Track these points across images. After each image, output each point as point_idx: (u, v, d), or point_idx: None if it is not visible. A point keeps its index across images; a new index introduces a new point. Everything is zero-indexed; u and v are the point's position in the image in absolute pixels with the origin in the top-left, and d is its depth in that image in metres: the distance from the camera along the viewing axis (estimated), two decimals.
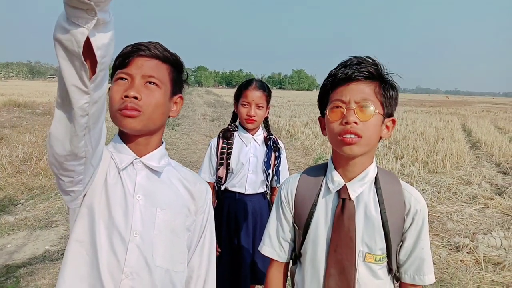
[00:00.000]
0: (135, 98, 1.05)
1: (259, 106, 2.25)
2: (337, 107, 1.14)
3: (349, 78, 1.14)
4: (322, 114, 1.23)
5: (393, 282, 1.27)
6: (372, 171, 1.20)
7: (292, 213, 1.30)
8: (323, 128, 1.24)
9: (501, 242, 4.36)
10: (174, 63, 1.17)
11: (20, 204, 5.11)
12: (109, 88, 1.11)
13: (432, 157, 8.95)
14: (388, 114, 1.18)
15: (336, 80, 1.16)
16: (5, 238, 4.12)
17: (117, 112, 1.06)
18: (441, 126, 15.27)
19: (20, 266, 3.52)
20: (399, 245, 1.21)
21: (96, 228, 1.05)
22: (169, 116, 1.21)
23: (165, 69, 1.14)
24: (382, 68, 1.17)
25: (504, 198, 6.05)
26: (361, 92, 1.12)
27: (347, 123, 1.10)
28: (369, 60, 1.16)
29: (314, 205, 1.24)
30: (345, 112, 1.12)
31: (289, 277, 1.43)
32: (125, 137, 1.14)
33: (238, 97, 2.31)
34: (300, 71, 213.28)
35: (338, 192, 1.20)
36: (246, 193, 2.30)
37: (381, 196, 1.18)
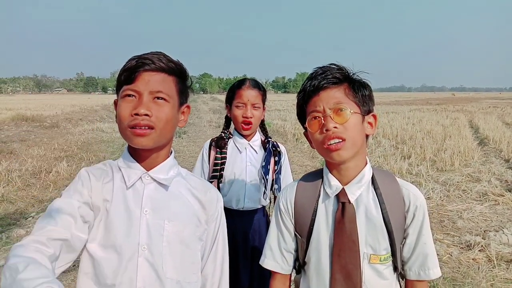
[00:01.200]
0: (146, 115, 1.05)
1: (255, 107, 2.03)
2: (314, 118, 1.17)
3: (318, 88, 1.17)
4: (305, 128, 1.25)
5: (399, 281, 1.27)
6: (367, 172, 1.21)
7: (293, 223, 1.29)
8: (310, 142, 1.26)
9: None
10: (179, 73, 1.17)
11: (31, 217, 5.15)
12: (114, 102, 1.14)
13: (440, 155, 8.89)
14: (366, 111, 1.20)
15: (307, 94, 1.20)
16: None
17: (128, 130, 1.07)
18: (448, 124, 15.16)
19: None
20: (402, 242, 1.22)
21: (98, 254, 1.08)
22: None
23: (172, 82, 1.14)
24: (347, 70, 1.20)
25: None
26: (332, 97, 1.15)
27: (327, 130, 1.13)
28: (333, 66, 1.19)
29: (315, 211, 1.24)
30: (322, 120, 1.15)
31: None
32: (135, 152, 1.16)
33: (230, 99, 2.09)
34: (304, 74, 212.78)
35: (337, 196, 1.21)
36: (244, 209, 2.06)
37: (380, 196, 1.19)
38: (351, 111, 1.13)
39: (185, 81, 1.21)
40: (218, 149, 2.10)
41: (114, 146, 11.31)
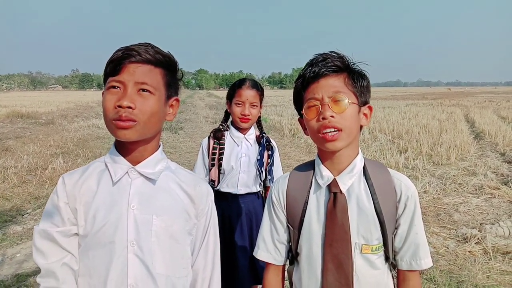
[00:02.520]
0: (129, 107, 1.02)
1: (253, 105, 2.22)
2: (312, 105, 1.16)
3: (317, 75, 1.16)
4: (301, 115, 1.25)
5: (391, 271, 1.27)
6: (359, 162, 1.21)
7: (285, 214, 1.29)
8: (304, 129, 1.25)
9: (509, 232, 4.35)
10: (167, 65, 1.13)
11: (28, 214, 5.14)
12: (102, 94, 1.11)
13: (436, 149, 8.93)
14: (363, 102, 1.20)
15: (306, 80, 1.19)
16: (14, 248, 4.15)
17: (111, 123, 1.04)
18: (444, 118, 15.22)
19: (30, 275, 3.54)
20: (394, 233, 1.22)
21: (90, 252, 1.09)
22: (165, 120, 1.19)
23: (159, 74, 1.10)
24: (348, 59, 1.19)
25: (510, 187, 6.02)
26: (332, 86, 1.14)
27: (324, 118, 1.12)
28: (334, 54, 1.18)
29: (306, 202, 1.23)
30: (320, 109, 1.13)
31: (286, 278, 1.41)
32: (121, 146, 1.13)
33: (231, 96, 2.29)
34: (300, 69, 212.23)
35: (329, 186, 1.20)
36: (238, 193, 2.27)
37: (372, 187, 1.19)
38: (349, 101, 1.12)
39: (174, 74, 1.17)
40: (216, 140, 2.29)
41: (110, 142, 11.20)
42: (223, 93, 72.72)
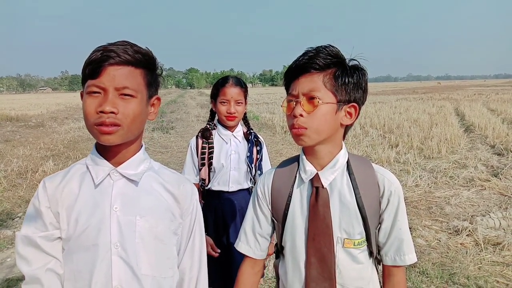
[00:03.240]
0: (112, 112, 1.01)
1: (238, 103, 2.22)
2: (289, 101, 1.18)
3: (299, 72, 1.16)
4: None
5: (376, 266, 1.28)
6: (342, 157, 1.21)
7: (270, 208, 1.31)
8: None
9: (500, 223, 4.40)
10: (147, 65, 1.11)
11: (18, 218, 5.08)
12: (80, 94, 1.10)
13: (427, 143, 9.00)
14: (346, 100, 1.16)
15: (290, 75, 1.20)
16: (4, 252, 4.10)
17: (94, 128, 1.03)
18: (434, 112, 15.32)
19: (21, 279, 3.50)
20: (378, 228, 1.22)
21: (74, 256, 1.08)
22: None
23: (139, 75, 1.08)
24: (340, 55, 1.17)
25: (500, 179, 6.10)
26: (308, 84, 1.14)
27: (294, 116, 1.14)
28: (324, 50, 1.15)
29: (290, 196, 1.25)
30: (293, 105, 1.16)
31: (273, 273, 1.43)
32: (102, 148, 1.11)
33: (215, 95, 2.29)
34: None
35: (311, 181, 1.21)
36: (230, 190, 2.27)
37: (354, 181, 1.19)
38: (321, 101, 1.12)
39: (154, 72, 1.15)
40: (204, 139, 2.28)
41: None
42: None
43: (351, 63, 1.18)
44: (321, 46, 1.16)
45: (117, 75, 1.03)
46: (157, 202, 1.16)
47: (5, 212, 5.29)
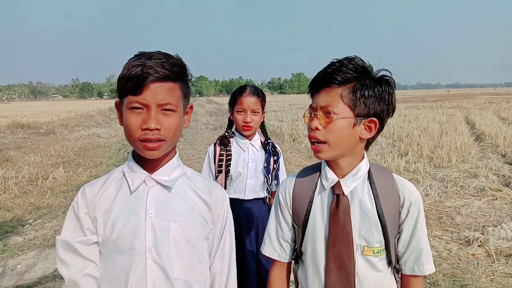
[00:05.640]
0: (156, 129, 1.06)
1: (255, 112, 2.24)
2: (310, 112, 1.21)
3: (320, 86, 1.18)
4: None
5: (394, 274, 1.28)
6: (364, 166, 1.23)
7: (291, 213, 1.33)
8: None
9: None
10: (183, 76, 1.14)
11: (29, 224, 5.13)
12: (115, 104, 1.14)
13: (437, 152, 8.92)
14: (365, 114, 1.15)
15: (312, 87, 1.22)
16: (15, 259, 4.13)
17: (138, 143, 1.08)
18: (444, 121, 15.21)
19: (31, 286, 3.53)
20: (397, 237, 1.23)
21: (110, 259, 1.12)
22: None
23: (178, 88, 1.12)
24: (365, 68, 1.15)
25: None
26: (326, 98, 1.15)
27: (311, 128, 1.17)
28: (348, 64, 1.14)
29: (311, 202, 1.27)
30: (312, 118, 1.18)
31: (293, 277, 1.45)
32: (138, 156, 1.16)
33: (233, 104, 2.31)
34: (299, 74, 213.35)
35: (332, 188, 1.23)
36: (246, 198, 2.29)
37: (375, 190, 1.20)
38: (337, 116, 1.13)
39: (187, 82, 1.19)
40: (222, 147, 2.31)
41: (111, 151, 11.29)
42: (223, 99, 72.93)
43: (379, 74, 1.18)
44: (346, 59, 1.16)
45: (159, 92, 1.06)
46: (190, 207, 1.20)
47: (16, 218, 5.35)
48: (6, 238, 4.66)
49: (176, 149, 1.24)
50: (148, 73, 1.04)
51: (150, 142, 1.07)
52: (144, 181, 1.16)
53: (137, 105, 1.06)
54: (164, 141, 1.09)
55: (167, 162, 1.19)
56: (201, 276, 1.20)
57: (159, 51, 1.11)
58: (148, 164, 1.16)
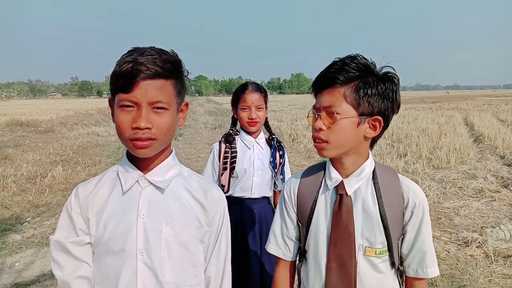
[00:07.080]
0: (147, 128, 1.03)
1: (259, 108, 2.25)
2: (312, 113, 1.21)
3: (323, 86, 1.17)
4: None
5: (398, 277, 1.27)
6: (368, 166, 1.22)
7: (295, 211, 1.33)
8: None
9: (510, 235, 4.34)
10: (176, 73, 1.10)
11: (27, 222, 5.12)
12: (109, 101, 1.12)
13: (436, 153, 8.93)
14: (369, 113, 1.14)
15: (315, 87, 1.22)
16: (13, 256, 4.13)
17: (129, 142, 1.05)
18: (443, 122, 15.22)
19: (29, 284, 3.53)
20: (401, 239, 1.22)
21: (102, 261, 1.10)
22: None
23: (170, 86, 1.08)
24: (368, 66, 1.14)
25: (510, 190, 6.01)
26: (329, 98, 1.15)
27: (315, 129, 1.17)
28: (351, 63, 1.13)
29: (315, 201, 1.27)
30: (316, 118, 1.18)
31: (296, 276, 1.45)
32: (132, 155, 1.12)
33: (236, 102, 2.31)
34: (299, 74, 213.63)
35: (336, 188, 1.23)
36: (252, 197, 2.28)
37: (378, 191, 1.19)
38: (340, 116, 1.12)
39: (182, 79, 1.14)
40: (227, 144, 2.31)
41: (110, 149, 11.27)
42: (222, 99, 72.90)
43: (383, 71, 1.16)
44: (348, 58, 1.15)
45: (150, 89, 1.03)
46: (184, 209, 1.16)
47: (14, 216, 5.34)
48: (4, 236, 4.65)
49: (173, 148, 1.21)
50: (139, 70, 1.01)
51: (141, 141, 1.03)
52: (137, 181, 1.12)
53: (128, 103, 1.03)
54: (155, 140, 1.05)
55: (161, 161, 1.15)
56: (194, 280, 1.17)
57: (153, 46, 1.08)
58: (142, 164, 1.13)
